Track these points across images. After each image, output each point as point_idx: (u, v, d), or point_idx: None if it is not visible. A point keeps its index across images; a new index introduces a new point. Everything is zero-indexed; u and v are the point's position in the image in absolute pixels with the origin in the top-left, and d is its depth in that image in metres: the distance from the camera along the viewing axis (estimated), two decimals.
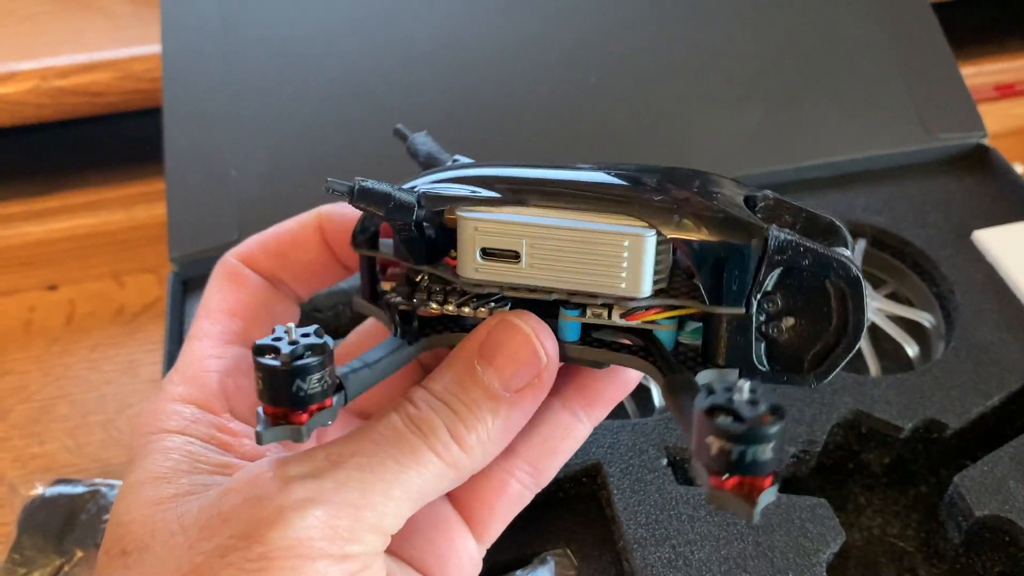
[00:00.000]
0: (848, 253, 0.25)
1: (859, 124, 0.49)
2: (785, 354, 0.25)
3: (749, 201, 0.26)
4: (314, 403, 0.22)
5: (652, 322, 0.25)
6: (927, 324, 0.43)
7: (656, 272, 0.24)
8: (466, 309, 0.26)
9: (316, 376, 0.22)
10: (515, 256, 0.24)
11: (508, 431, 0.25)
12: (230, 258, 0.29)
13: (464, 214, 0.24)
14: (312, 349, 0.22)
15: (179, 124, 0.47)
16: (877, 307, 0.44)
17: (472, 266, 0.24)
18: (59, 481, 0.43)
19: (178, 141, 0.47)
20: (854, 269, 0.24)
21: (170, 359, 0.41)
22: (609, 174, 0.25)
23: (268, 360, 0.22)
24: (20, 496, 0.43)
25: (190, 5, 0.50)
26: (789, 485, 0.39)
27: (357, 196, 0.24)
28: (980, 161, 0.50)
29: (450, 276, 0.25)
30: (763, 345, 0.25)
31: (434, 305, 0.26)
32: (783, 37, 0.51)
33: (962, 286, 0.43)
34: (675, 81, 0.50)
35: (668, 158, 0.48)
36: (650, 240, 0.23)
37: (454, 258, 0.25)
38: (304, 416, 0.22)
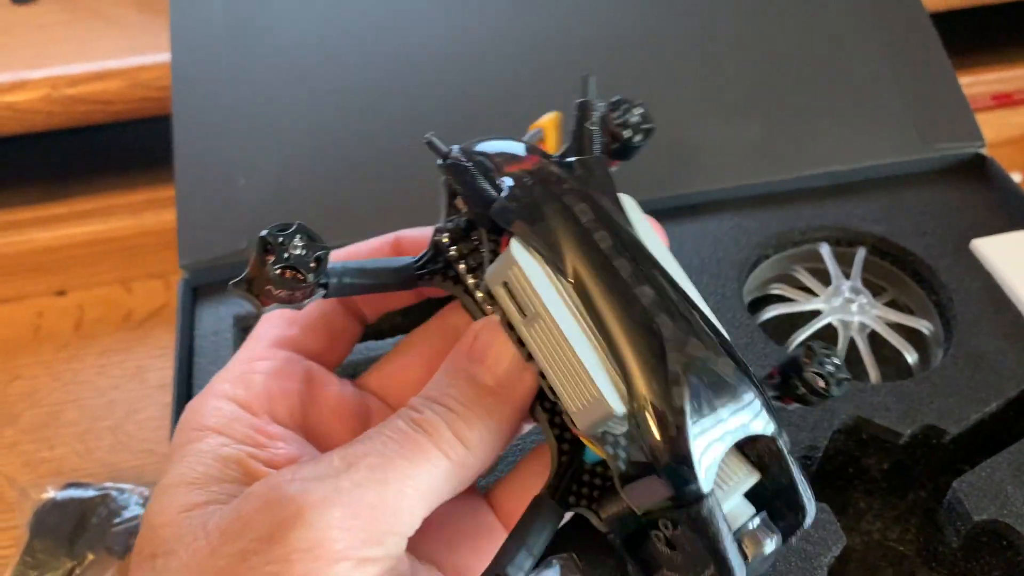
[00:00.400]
0: (770, 549, 0.24)
1: (859, 134, 0.50)
2: (650, 559, 0.25)
3: (748, 442, 0.25)
4: (299, 286, 0.24)
5: (580, 440, 0.26)
6: (926, 332, 0.44)
7: (602, 428, 0.24)
8: (479, 293, 0.27)
9: (281, 286, 0.24)
10: (523, 313, 0.25)
11: (507, 426, 0.26)
12: None
13: (515, 250, 0.24)
14: (295, 268, 0.24)
15: (188, 133, 0.48)
16: (877, 315, 0.44)
17: (494, 284, 0.25)
18: (70, 485, 0.44)
19: (187, 149, 0.47)
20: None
21: (180, 366, 0.42)
22: (668, 316, 0.24)
23: (260, 250, 0.24)
24: (31, 500, 0.44)
25: (199, 14, 0.51)
26: None
27: (445, 166, 0.25)
28: (978, 170, 0.50)
29: (486, 260, 0.26)
30: (638, 539, 0.25)
31: (463, 266, 0.27)
32: (783, 49, 0.52)
33: (960, 294, 0.43)
34: (677, 93, 0.50)
35: (671, 169, 0.48)
36: (615, 414, 0.23)
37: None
38: (267, 301, 0.24)
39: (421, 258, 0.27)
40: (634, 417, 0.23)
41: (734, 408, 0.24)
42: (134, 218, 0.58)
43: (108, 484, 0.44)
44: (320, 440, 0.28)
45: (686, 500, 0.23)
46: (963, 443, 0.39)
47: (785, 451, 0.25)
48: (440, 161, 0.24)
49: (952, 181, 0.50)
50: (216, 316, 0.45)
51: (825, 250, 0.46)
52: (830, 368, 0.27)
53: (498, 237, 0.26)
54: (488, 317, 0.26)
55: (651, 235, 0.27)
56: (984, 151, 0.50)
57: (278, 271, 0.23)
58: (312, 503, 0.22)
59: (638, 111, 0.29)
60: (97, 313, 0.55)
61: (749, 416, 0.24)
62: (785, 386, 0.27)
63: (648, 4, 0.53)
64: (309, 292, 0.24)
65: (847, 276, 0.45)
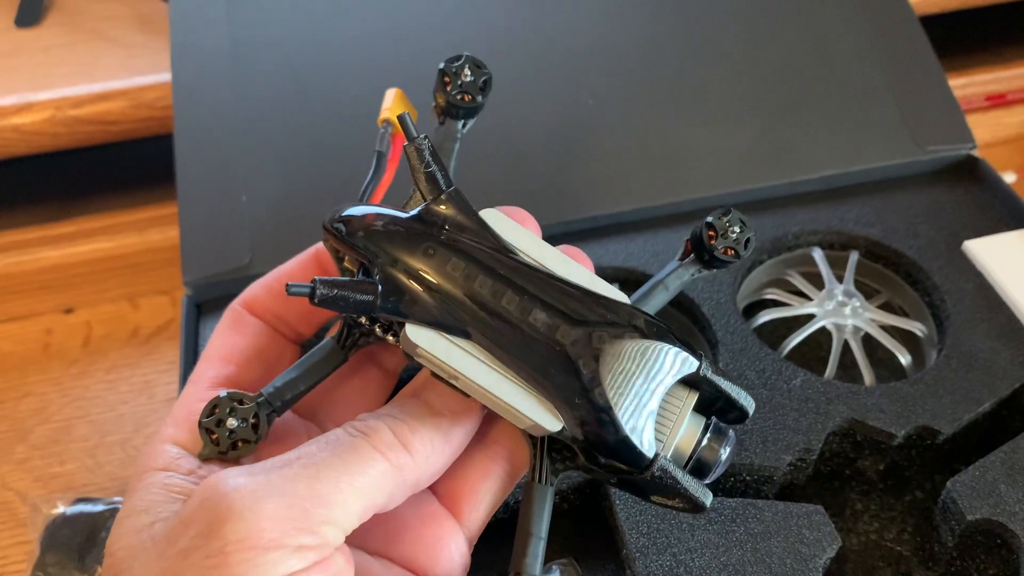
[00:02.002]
0: (726, 454, 0.28)
1: (851, 138, 0.50)
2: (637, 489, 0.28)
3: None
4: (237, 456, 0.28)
5: None
6: (919, 333, 0.44)
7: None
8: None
9: (240, 453, 0.28)
10: (444, 377, 0.27)
11: (450, 444, 0.27)
12: (236, 305, 0.31)
13: (411, 334, 0.26)
14: (242, 441, 0.27)
15: (190, 151, 0.49)
16: (870, 317, 0.45)
17: (406, 352, 0.27)
18: (80, 500, 0.45)
19: (189, 168, 0.48)
20: (703, 504, 0.27)
21: (185, 379, 0.42)
22: (559, 324, 0.26)
23: (206, 444, 0.27)
24: (42, 515, 0.44)
25: (199, 34, 0.52)
26: (786, 493, 0.40)
27: (318, 302, 0.25)
28: (970, 172, 0.51)
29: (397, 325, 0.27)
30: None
31: (379, 329, 0.28)
32: (774, 55, 0.52)
33: (953, 295, 0.44)
34: (670, 101, 0.51)
35: (665, 177, 0.49)
36: (550, 429, 0.26)
37: None
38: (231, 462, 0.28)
39: (340, 336, 0.29)
40: (572, 427, 0.26)
41: (653, 371, 0.27)
42: (139, 235, 0.59)
43: (117, 498, 0.45)
44: None
45: (639, 468, 0.26)
46: (957, 443, 0.40)
47: (709, 374, 0.28)
48: (310, 299, 0.25)
49: (944, 183, 0.50)
50: None
51: (818, 254, 0.47)
52: (734, 236, 0.29)
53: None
54: None
55: (523, 238, 0.27)
56: (975, 152, 0.51)
57: (228, 449, 0.27)
58: (243, 496, 0.23)
59: (468, 70, 0.30)
60: (105, 329, 0.56)
61: (668, 367, 0.27)
62: (700, 260, 0.30)
63: (640, 11, 0.53)
64: (262, 436, 0.28)
65: (840, 280, 0.46)
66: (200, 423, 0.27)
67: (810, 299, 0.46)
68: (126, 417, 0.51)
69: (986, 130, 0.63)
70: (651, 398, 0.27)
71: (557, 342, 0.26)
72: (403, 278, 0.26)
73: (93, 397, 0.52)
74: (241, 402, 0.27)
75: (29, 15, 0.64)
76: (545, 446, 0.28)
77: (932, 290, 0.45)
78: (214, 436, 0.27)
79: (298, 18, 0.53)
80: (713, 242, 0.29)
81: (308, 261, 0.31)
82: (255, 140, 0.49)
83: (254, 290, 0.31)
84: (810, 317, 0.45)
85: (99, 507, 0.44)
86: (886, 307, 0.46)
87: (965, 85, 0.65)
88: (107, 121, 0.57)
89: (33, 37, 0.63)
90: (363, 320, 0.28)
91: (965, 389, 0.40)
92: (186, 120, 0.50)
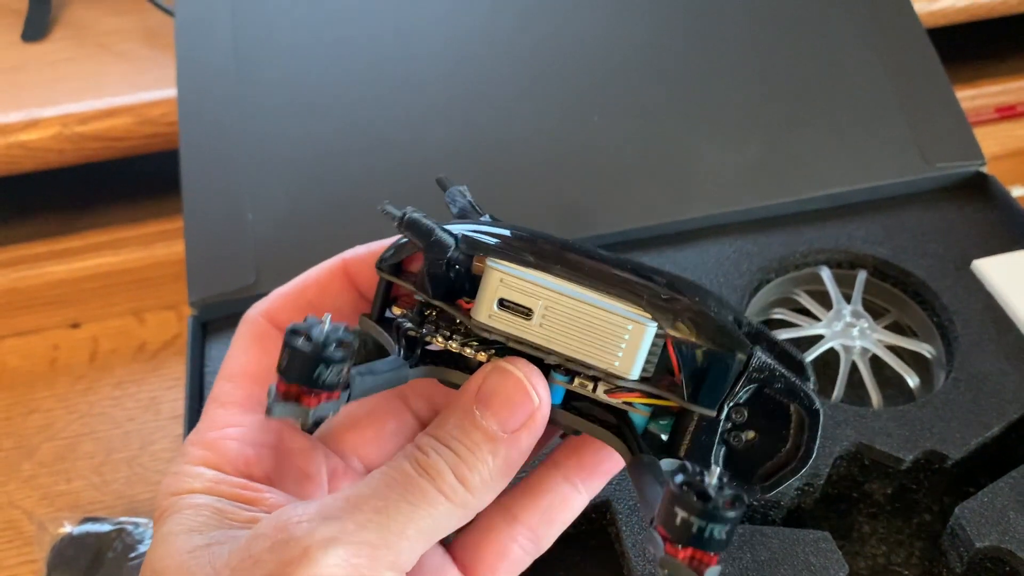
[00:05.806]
0: (812, 390, 0.27)
1: (858, 155, 0.50)
2: (739, 462, 0.27)
3: (735, 323, 0.28)
4: (327, 390, 0.24)
5: (630, 404, 0.27)
6: (928, 355, 0.44)
7: (647, 361, 0.26)
8: (468, 350, 0.28)
9: (336, 368, 0.24)
10: (528, 313, 0.26)
11: (508, 469, 0.27)
12: (258, 317, 0.30)
13: (493, 264, 0.26)
14: (340, 343, 0.24)
15: (196, 168, 0.49)
16: (878, 338, 0.44)
17: (487, 312, 0.26)
18: (86, 519, 0.45)
19: (195, 185, 0.48)
20: (817, 403, 0.26)
21: (191, 401, 0.43)
22: (624, 267, 0.27)
23: (298, 342, 0.23)
24: (49, 534, 0.44)
25: (205, 49, 0.52)
26: (794, 516, 0.40)
27: (405, 225, 0.26)
28: (979, 189, 0.50)
29: (461, 316, 0.27)
30: (722, 449, 0.27)
31: (440, 339, 0.28)
32: (781, 71, 0.52)
33: (962, 316, 0.44)
34: (676, 118, 0.51)
35: (671, 195, 0.49)
36: (650, 330, 0.25)
37: (467, 301, 0.27)
38: (314, 400, 0.24)
39: (400, 352, 0.28)
40: (669, 327, 0.26)
41: (715, 297, 0.28)
42: (145, 250, 0.59)
43: (123, 518, 0.45)
44: (294, 494, 0.29)
45: (743, 364, 0.26)
46: (966, 467, 0.40)
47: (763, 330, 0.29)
48: (398, 222, 0.26)
49: (953, 200, 0.50)
50: (226, 350, 0.45)
51: (826, 273, 0.46)
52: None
53: (453, 301, 0.27)
54: (495, 360, 0.27)
55: None
56: (984, 169, 0.50)
57: (332, 346, 0.23)
58: (317, 543, 0.23)
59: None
60: (111, 345, 0.56)
61: (721, 303, 0.28)
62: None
63: (646, 28, 0.53)
64: (347, 376, 0.24)
65: (848, 299, 0.46)
66: (291, 329, 0.24)
67: (818, 319, 0.45)
68: (132, 434, 0.51)
69: (995, 142, 0.62)
70: (724, 312, 0.27)
71: (628, 267, 0.27)
72: (479, 236, 0.27)
73: (99, 414, 0.52)
74: (347, 351, 0.24)
75: (35, 29, 0.65)
76: (632, 429, 0.27)
77: (941, 310, 0.44)
78: (301, 337, 0.23)
79: (304, 35, 0.53)
80: None
81: (335, 269, 0.30)
82: (261, 158, 0.49)
83: (276, 303, 0.30)
84: (818, 338, 0.44)
85: (106, 527, 0.44)
86: (895, 327, 0.46)
87: (975, 97, 0.64)
88: (113, 138, 0.57)
89: (39, 52, 0.63)
90: (425, 329, 0.28)
91: (974, 413, 0.40)
92: (192, 137, 0.50)
